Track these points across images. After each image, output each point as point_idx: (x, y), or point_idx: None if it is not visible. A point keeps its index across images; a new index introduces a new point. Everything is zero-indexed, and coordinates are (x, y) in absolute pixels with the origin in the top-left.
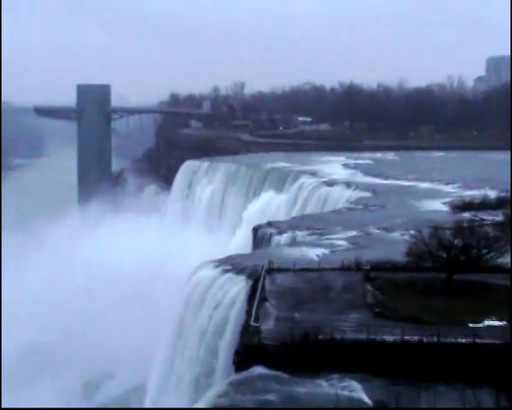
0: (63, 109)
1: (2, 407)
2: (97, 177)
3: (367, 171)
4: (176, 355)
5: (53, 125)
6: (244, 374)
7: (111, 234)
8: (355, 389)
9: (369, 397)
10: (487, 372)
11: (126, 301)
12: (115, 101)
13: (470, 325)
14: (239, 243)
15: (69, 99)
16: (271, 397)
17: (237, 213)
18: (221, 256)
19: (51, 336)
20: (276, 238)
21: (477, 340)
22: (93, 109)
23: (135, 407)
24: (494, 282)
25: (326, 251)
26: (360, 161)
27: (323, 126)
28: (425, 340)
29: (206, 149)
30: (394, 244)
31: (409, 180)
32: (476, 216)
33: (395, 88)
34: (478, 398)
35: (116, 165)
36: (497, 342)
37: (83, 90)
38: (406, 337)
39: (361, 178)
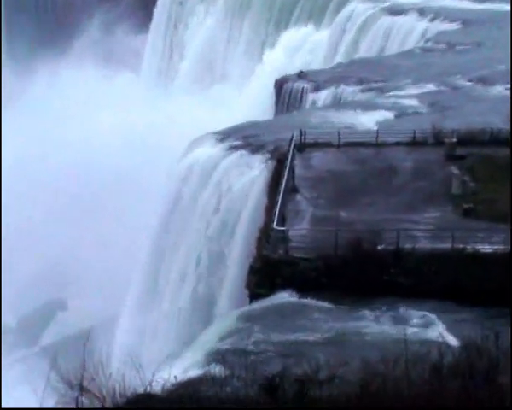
0: None
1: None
2: (32, 5)
3: None
4: (159, 274)
5: None
6: (262, 303)
7: (58, 92)
8: (432, 325)
9: (454, 336)
10: None
11: (90, 191)
12: None
13: None
14: (253, 104)
15: None
16: (304, 338)
17: (251, 60)
18: (227, 126)
19: None
20: (312, 97)
21: None
22: None
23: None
24: None
25: (388, 116)
26: None
27: None
28: None
29: None
30: (495, 104)
31: None
32: None
33: None
34: None
35: None
36: None
37: None
38: None
39: (443, 0)
